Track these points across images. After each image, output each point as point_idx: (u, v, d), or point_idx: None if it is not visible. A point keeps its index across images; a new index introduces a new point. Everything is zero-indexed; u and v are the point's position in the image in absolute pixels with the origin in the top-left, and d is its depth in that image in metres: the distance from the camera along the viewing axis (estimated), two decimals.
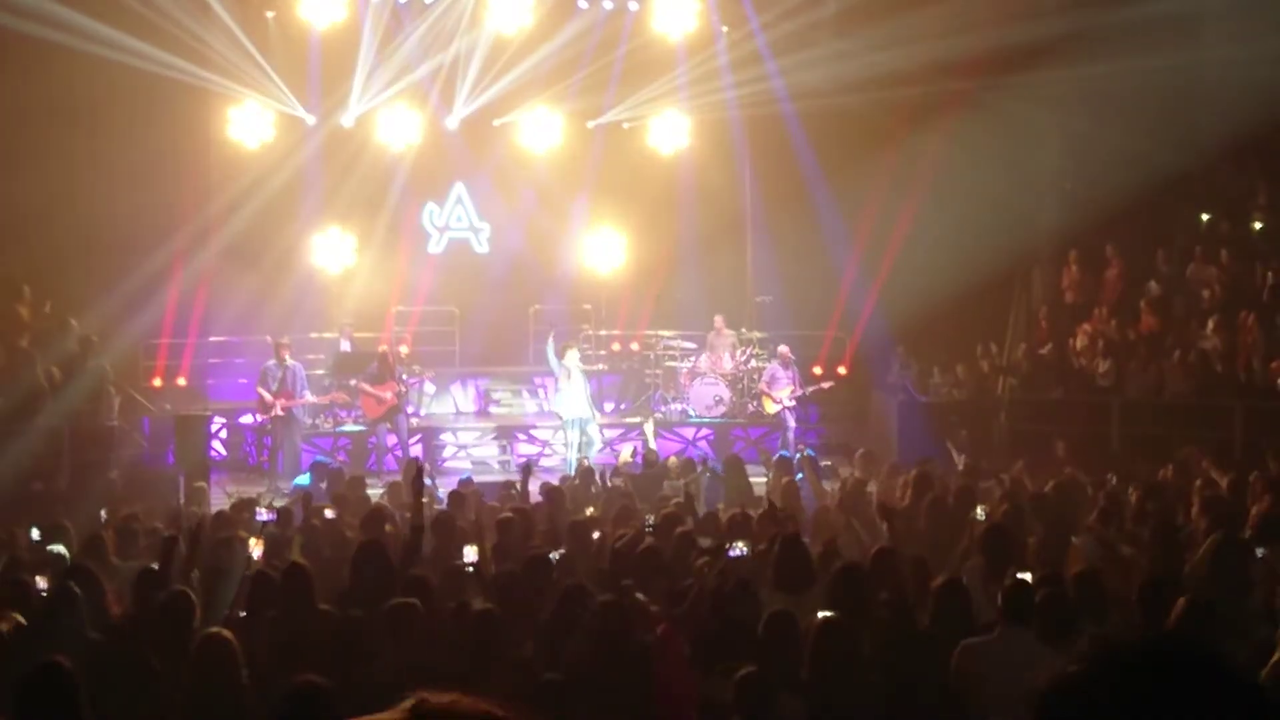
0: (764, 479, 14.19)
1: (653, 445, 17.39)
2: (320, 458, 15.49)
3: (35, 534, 9.93)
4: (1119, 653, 1.67)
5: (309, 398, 17.62)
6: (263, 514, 10.46)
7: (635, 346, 21.23)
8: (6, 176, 17.44)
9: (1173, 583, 6.92)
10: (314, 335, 19.82)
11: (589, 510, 11.64)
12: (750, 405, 19.27)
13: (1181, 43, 17.75)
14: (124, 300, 18.39)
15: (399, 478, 13.80)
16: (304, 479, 14.07)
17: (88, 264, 18.04)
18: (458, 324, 21.51)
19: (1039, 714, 1.67)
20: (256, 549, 8.78)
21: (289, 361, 17.28)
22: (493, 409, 20.71)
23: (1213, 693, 1.60)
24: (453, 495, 11.95)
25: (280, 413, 17.05)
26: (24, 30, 17.41)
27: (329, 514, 11.16)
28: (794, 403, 18.33)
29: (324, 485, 13.13)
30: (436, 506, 11.61)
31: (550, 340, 17.62)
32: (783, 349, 18.89)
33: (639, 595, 7.11)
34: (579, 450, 17.07)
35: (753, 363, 19.26)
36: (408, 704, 1.69)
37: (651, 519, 10.05)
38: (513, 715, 1.70)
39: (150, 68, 18.64)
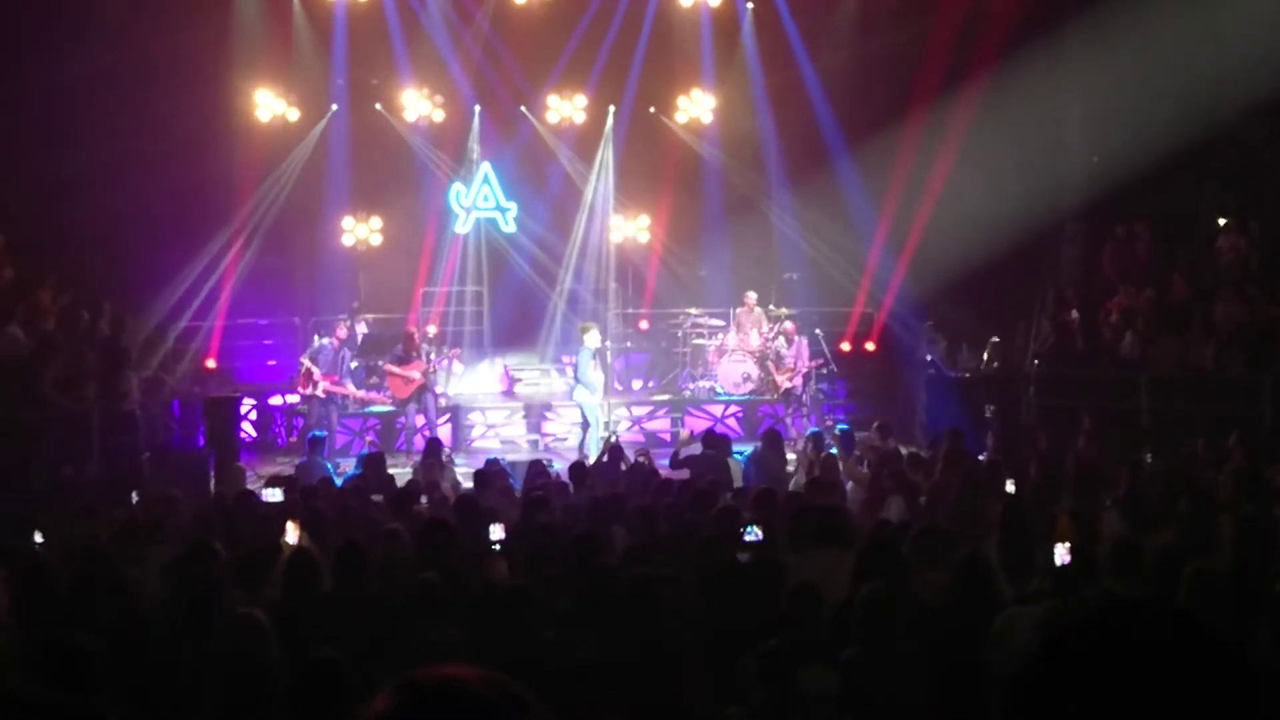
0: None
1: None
2: (367, 451, 15.43)
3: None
4: (1087, 614, 1.65)
5: (350, 388, 17.60)
6: (265, 494, 10.43)
7: (645, 325, 21.32)
8: (31, 157, 17.55)
9: (1194, 556, 6.82)
10: (340, 317, 19.81)
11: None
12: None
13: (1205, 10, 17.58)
14: (151, 283, 18.49)
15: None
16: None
17: (114, 246, 18.09)
18: (485, 304, 21.54)
19: (1020, 675, 1.64)
20: (292, 531, 8.77)
21: (343, 351, 17.39)
22: (520, 388, 20.70)
23: (1178, 648, 1.58)
24: (477, 475, 11.97)
25: (323, 395, 17.10)
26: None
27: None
28: (794, 382, 18.28)
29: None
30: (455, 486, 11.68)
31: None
32: (788, 325, 18.83)
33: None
34: (601, 429, 17.07)
35: (779, 339, 19.16)
36: (395, 684, 1.65)
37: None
38: (509, 684, 1.66)
39: (176, 52, 18.68)
